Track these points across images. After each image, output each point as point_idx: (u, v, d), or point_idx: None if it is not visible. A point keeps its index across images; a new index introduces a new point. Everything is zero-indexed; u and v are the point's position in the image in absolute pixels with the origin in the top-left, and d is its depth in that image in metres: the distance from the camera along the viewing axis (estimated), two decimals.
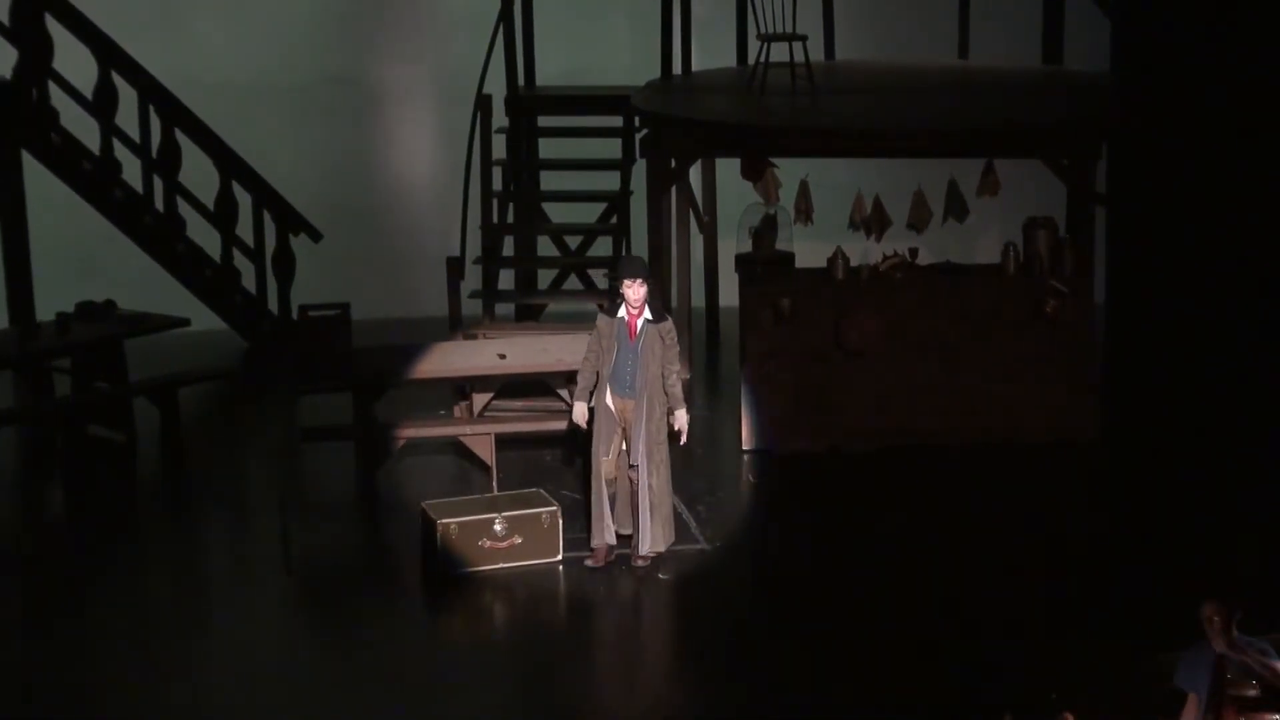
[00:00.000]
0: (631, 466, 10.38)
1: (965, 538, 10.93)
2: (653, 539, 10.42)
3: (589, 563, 10.47)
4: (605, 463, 10.41)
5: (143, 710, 8.93)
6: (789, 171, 13.05)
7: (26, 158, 14.23)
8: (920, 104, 13.57)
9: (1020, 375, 12.41)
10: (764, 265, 12.73)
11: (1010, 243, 12.56)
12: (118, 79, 14.40)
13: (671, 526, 10.57)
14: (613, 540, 10.48)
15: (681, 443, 10.52)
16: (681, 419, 10.43)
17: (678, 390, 10.41)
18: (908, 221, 13.05)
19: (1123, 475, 12.09)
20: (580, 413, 10.50)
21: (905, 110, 13.39)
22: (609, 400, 10.39)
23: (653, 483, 10.34)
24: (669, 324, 10.38)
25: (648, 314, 10.32)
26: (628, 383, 10.32)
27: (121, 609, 10.17)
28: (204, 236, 14.93)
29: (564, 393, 12.11)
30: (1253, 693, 7.49)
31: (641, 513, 10.37)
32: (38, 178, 14.32)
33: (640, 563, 10.42)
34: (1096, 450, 12.34)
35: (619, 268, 10.59)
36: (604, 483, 10.43)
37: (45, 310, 13.67)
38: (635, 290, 10.28)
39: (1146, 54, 13.56)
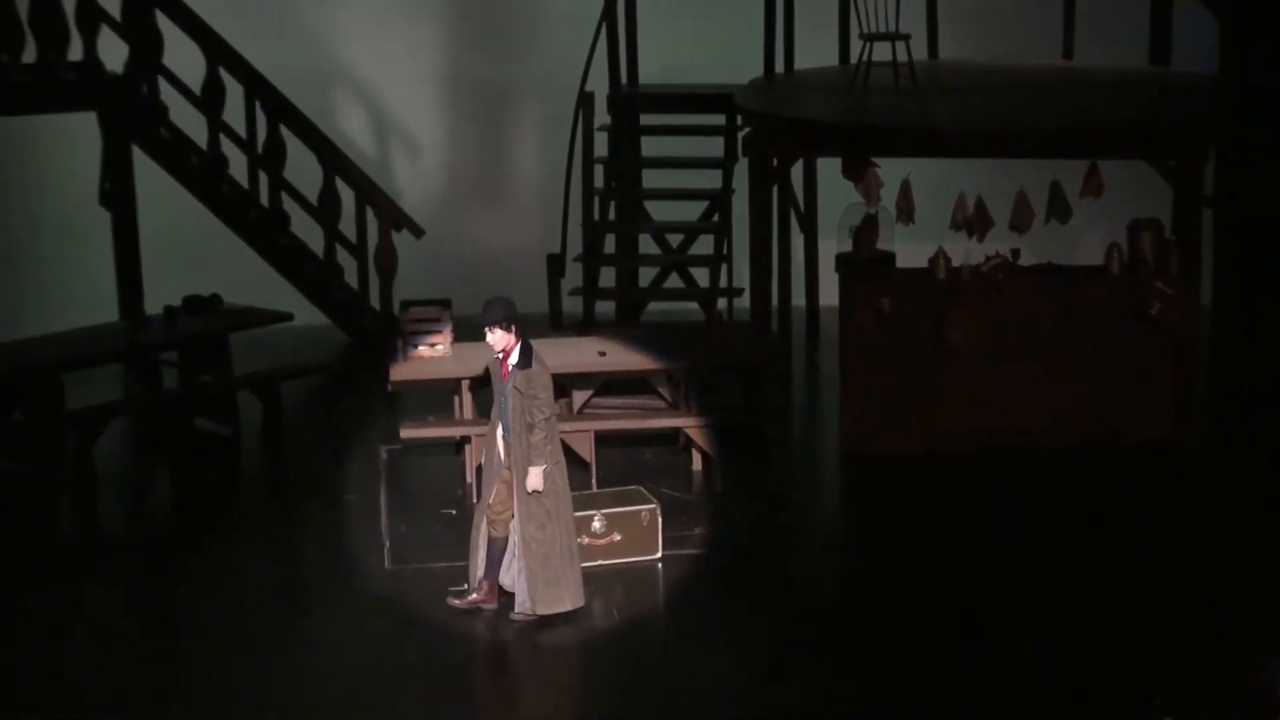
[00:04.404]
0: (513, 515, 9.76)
1: (1066, 541, 10.85)
2: (524, 597, 9.73)
3: (450, 600, 9.93)
4: (483, 506, 9.82)
5: (242, 701, 9.01)
6: (890, 171, 13.01)
7: (136, 153, 14.46)
8: (1024, 104, 13.49)
9: (1123, 378, 12.31)
10: (865, 265, 12.69)
11: (1114, 243, 12.46)
12: (225, 74, 14.58)
13: (565, 589, 9.75)
14: (479, 578, 9.88)
15: (528, 497, 9.64)
16: (532, 477, 9.60)
17: (534, 442, 9.56)
18: (1010, 222, 12.98)
19: (1226, 479, 11.97)
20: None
21: (1009, 110, 13.31)
22: (498, 443, 9.75)
23: (527, 536, 9.67)
24: (529, 372, 9.56)
25: (516, 357, 9.65)
26: (507, 426, 9.69)
27: (223, 599, 10.28)
28: (307, 231, 15.08)
29: (664, 390, 12.14)
30: None
31: (518, 567, 9.75)
32: (146, 172, 14.54)
33: (516, 619, 9.76)
34: (1200, 454, 12.23)
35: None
36: (481, 528, 9.82)
37: (154, 304, 13.87)
38: (489, 337, 9.64)
39: (1255, 55, 13.42)
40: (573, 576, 9.82)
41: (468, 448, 11.74)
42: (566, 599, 9.79)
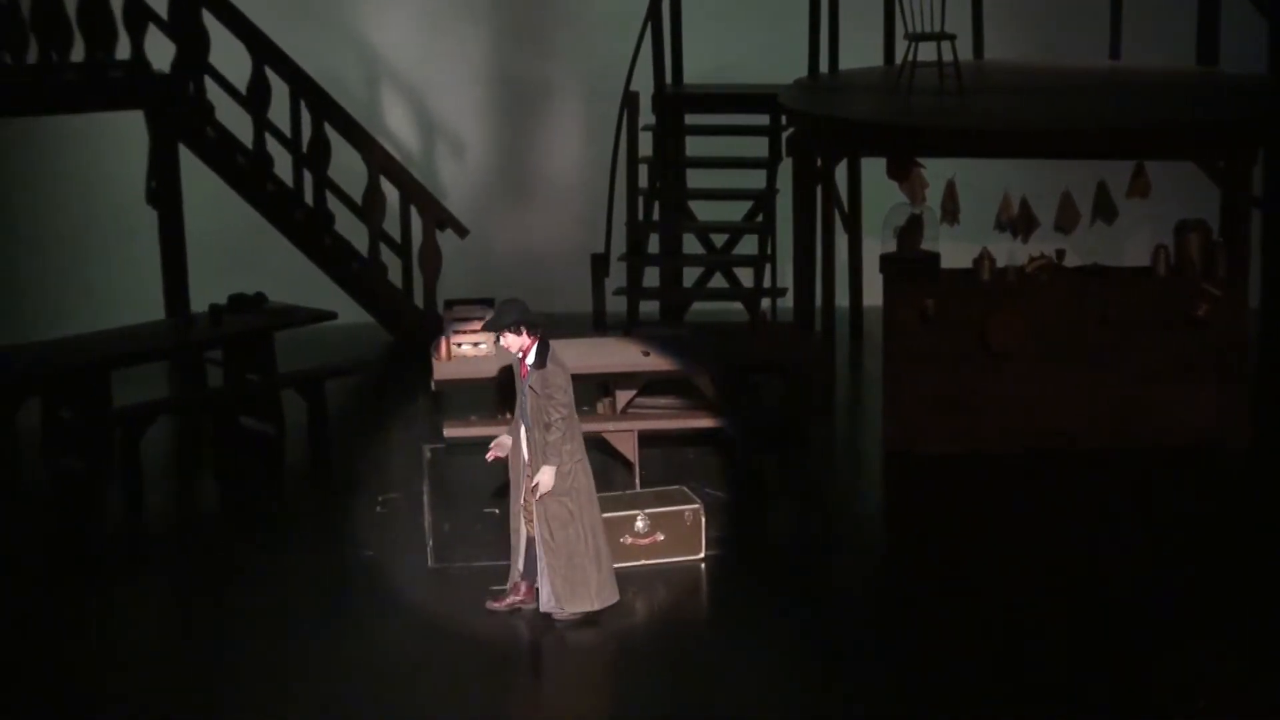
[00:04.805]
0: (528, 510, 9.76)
1: (1110, 544, 10.81)
2: (549, 596, 9.66)
3: (489, 604, 9.88)
4: (517, 508, 9.79)
5: (284, 697, 9.05)
6: (936, 171, 12.97)
7: (182, 152, 14.53)
8: (1070, 104, 13.43)
9: (1170, 379, 12.25)
10: (909, 265, 12.66)
11: (1161, 245, 12.40)
12: (270, 74, 14.64)
13: (591, 589, 9.67)
14: (517, 580, 9.85)
15: (535, 499, 9.61)
16: (544, 476, 9.54)
17: (550, 441, 9.51)
18: (1055, 223, 12.93)
19: (1273, 483, 11.89)
20: (498, 442, 9.84)
21: (1055, 111, 13.26)
22: (522, 441, 9.75)
23: (545, 536, 9.61)
24: (545, 372, 9.50)
25: (533, 357, 9.59)
26: (528, 425, 9.69)
27: (266, 596, 10.31)
28: (352, 231, 15.13)
29: (707, 391, 12.12)
30: None
31: (539, 566, 9.70)
32: (193, 171, 14.61)
33: (559, 620, 9.71)
34: (1248, 456, 12.16)
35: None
36: (520, 529, 9.78)
37: (199, 302, 13.93)
38: (502, 340, 9.66)
39: None
40: (600, 577, 9.75)
41: None
42: (592, 599, 9.74)
